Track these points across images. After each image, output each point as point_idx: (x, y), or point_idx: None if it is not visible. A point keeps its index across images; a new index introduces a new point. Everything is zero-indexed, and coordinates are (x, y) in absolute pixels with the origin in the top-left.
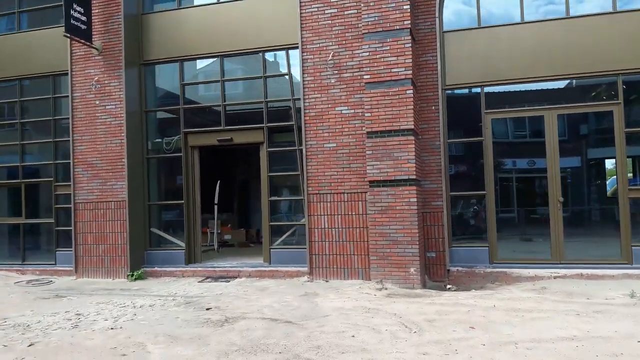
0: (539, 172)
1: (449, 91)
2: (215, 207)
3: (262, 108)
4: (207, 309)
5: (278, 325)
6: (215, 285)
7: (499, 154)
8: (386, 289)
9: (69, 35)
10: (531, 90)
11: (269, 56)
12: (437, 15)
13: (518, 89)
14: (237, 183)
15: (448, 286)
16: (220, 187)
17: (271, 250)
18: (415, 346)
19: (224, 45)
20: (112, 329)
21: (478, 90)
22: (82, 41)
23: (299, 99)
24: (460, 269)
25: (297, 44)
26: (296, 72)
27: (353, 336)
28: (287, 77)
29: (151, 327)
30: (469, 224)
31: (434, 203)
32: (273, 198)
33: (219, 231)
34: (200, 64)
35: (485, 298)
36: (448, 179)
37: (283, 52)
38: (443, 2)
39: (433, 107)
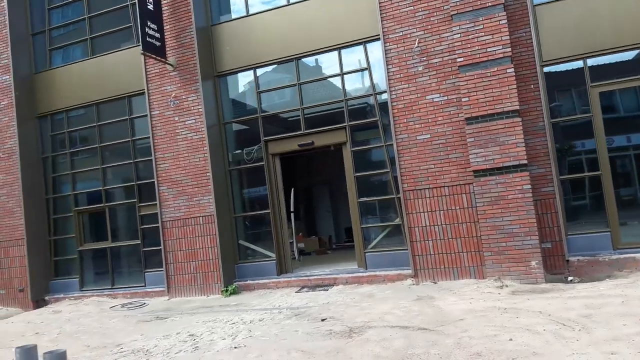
0: None
1: (548, 67)
2: (292, 215)
3: (342, 107)
4: (323, 320)
5: (414, 333)
6: (315, 294)
7: (611, 130)
8: (507, 286)
9: (146, 52)
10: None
11: (345, 53)
12: None
13: (626, 58)
14: (300, 190)
15: (570, 278)
16: (295, 194)
17: (366, 254)
18: (594, 345)
19: (297, 47)
20: (236, 347)
21: (580, 63)
22: (158, 58)
23: (381, 93)
24: (580, 258)
25: (377, 35)
26: (376, 66)
27: (510, 339)
28: (366, 72)
29: (276, 342)
30: (585, 208)
31: (544, 189)
32: (362, 199)
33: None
34: (272, 70)
35: (631, 287)
36: (557, 162)
37: (359, 47)
38: None
39: (532, 86)
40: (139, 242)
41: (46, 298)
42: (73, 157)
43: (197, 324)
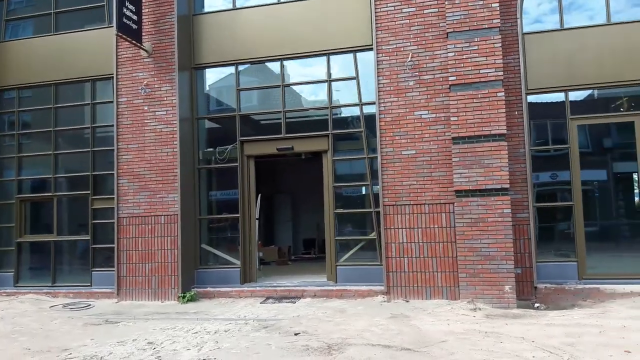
0: (627, 181)
1: (532, 96)
2: (257, 222)
3: (326, 115)
4: (296, 334)
5: (398, 354)
6: (282, 306)
7: (586, 163)
8: (480, 309)
9: (120, 34)
10: (619, 95)
11: (333, 60)
12: (518, 15)
13: (605, 95)
14: (262, 198)
15: (536, 305)
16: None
17: (337, 267)
18: None
19: (285, 48)
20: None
21: (562, 95)
22: (133, 42)
23: (368, 104)
24: (548, 285)
25: (369, 45)
26: (366, 76)
27: None
28: (353, 81)
29: (248, 357)
30: (555, 237)
31: (519, 215)
32: (339, 210)
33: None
34: (254, 69)
35: (603, 317)
36: (533, 189)
37: (349, 55)
38: (523, 2)
39: (516, 112)
40: (89, 237)
41: None
42: (21, 140)
43: (155, 331)
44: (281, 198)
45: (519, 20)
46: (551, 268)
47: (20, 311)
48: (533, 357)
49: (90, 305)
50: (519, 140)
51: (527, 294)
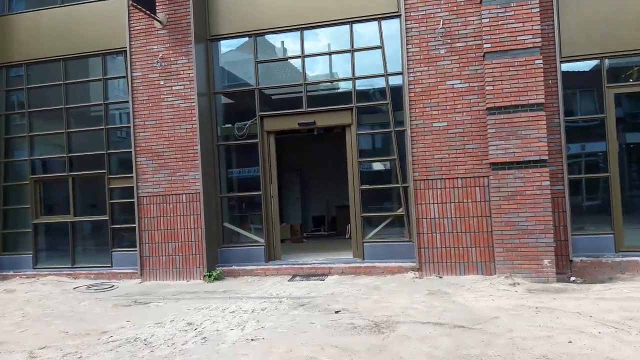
0: None
1: (566, 64)
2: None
3: (350, 87)
4: (337, 312)
5: (454, 331)
6: (311, 284)
7: (624, 132)
8: (519, 284)
9: (135, 4)
10: None
11: (357, 28)
12: None
13: None
14: None
15: (572, 278)
16: None
17: (364, 244)
18: None
19: (305, 17)
20: (253, 340)
21: (598, 62)
22: (147, 12)
23: (394, 75)
24: (584, 259)
25: (394, 12)
26: (391, 45)
27: (570, 342)
28: (377, 50)
29: (296, 335)
30: (590, 209)
31: (554, 187)
32: (364, 187)
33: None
34: (272, 39)
35: None
36: (567, 161)
37: (373, 23)
38: None
39: (550, 82)
40: (107, 218)
41: None
42: (32, 118)
43: (189, 311)
44: (289, 175)
45: None
46: (587, 241)
47: (45, 293)
48: (599, 332)
49: (113, 286)
50: (554, 110)
51: (562, 268)
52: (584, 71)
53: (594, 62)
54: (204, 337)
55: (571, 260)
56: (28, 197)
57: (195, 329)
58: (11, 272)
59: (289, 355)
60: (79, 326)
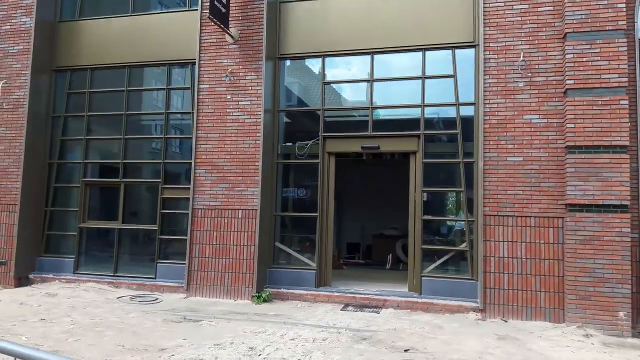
0: None
1: None
2: None
3: (418, 114)
4: (406, 351)
5: None
6: (367, 315)
7: None
8: (592, 335)
9: (212, 17)
10: None
11: (429, 56)
12: (635, 19)
13: None
14: None
15: None
16: None
17: (422, 278)
18: None
19: (376, 41)
20: None
21: None
22: (222, 26)
23: (465, 105)
24: None
25: (470, 42)
26: (464, 74)
27: None
28: (449, 79)
29: None
30: None
31: (632, 235)
32: (427, 217)
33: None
34: (341, 62)
35: None
36: None
37: (447, 52)
38: None
39: (630, 124)
40: (156, 227)
41: (31, 276)
42: (90, 122)
43: (246, 334)
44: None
45: (636, 24)
46: None
47: (88, 301)
48: None
49: (157, 299)
50: (632, 153)
51: (634, 322)
52: None
53: None
54: None
55: None
56: (77, 200)
57: (259, 355)
58: (51, 275)
59: None
60: (134, 340)
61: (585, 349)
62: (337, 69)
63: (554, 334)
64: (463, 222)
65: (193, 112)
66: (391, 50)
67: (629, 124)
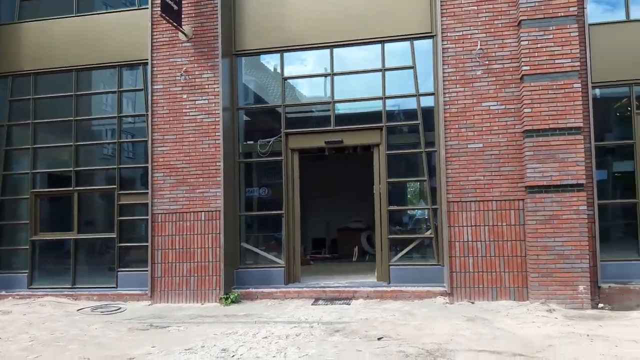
0: None
1: (596, 89)
2: None
3: (380, 106)
4: (379, 339)
5: None
6: (338, 308)
7: None
8: (554, 310)
9: (164, 15)
10: None
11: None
12: (584, 5)
13: None
14: None
15: (600, 305)
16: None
17: (390, 267)
18: None
19: (335, 35)
20: None
21: (626, 89)
22: (174, 24)
23: (425, 95)
24: (612, 285)
25: (428, 32)
26: (423, 65)
27: None
28: (408, 70)
29: None
30: (618, 235)
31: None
32: (392, 207)
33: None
34: (299, 56)
35: None
36: (596, 186)
37: (405, 43)
38: None
39: (582, 106)
40: (114, 235)
41: None
42: (37, 130)
43: (217, 335)
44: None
45: (585, 10)
46: (614, 267)
47: (46, 315)
48: None
49: (120, 308)
50: (585, 134)
51: (592, 294)
52: (613, 97)
53: (623, 89)
54: None
55: (599, 287)
56: (27, 212)
57: (233, 356)
58: (3, 292)
59: None
60: (100, 352)
61: (549, 323)
62: (296, 65)
63: (519, 312)
64: (427, 210)
65: (147, 114)
66: (350, 44)
67: (582, 106)
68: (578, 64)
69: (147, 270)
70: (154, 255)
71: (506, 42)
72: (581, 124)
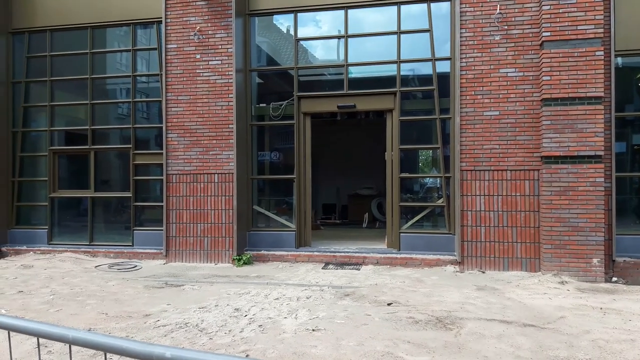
0: None
1: (619, 58)
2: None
3: (394, 70)
4: (389, 304)
5: (528, 331)
6: (348, 272)
7: None
8: (567, 282)
9: None
10: None
11: (404, 9)
12: None
13: None
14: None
15: (614, 279)
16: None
17: (401, 234)
18: None
19: None
20: (314, 330)
21: None
22: None
23: (442, 60)
24: (627, 259)
25: None
26: (439, 29)
27: None
28: (425, 34)
29: (357, 328)
30: (634, 208)
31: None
32: (404, 175)
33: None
34: (312, 18)
35: None
36: (615, 158)
37: (422, 5)
38: None
39: (604, 75)
40: (130, 195)
41: (3, 249)
42: (54, 87)
43: (230, 295)
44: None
45: None
46: (629, 241)
47: (66, 270)
48: None
49: (136, 266)
50: (605, 105)
51: (606, 267)
52: (637, 66)
53: None
54: (260, 325)
55: (614, 261)
56: (45, 169)
57: (246, 316)
58: (24, 247)
59: (363, 350)
60: (118, 308)
61: (561, 295)
62: (309, 27)
63: (530, 283)
64: (440, 179)
65: (161, 74)
66: (365, 4)
67: (604, 75)
68: (602, 30)
69: (162, 230)
70: (168, 215)
71: (526, 6)
72: (602, 94)
